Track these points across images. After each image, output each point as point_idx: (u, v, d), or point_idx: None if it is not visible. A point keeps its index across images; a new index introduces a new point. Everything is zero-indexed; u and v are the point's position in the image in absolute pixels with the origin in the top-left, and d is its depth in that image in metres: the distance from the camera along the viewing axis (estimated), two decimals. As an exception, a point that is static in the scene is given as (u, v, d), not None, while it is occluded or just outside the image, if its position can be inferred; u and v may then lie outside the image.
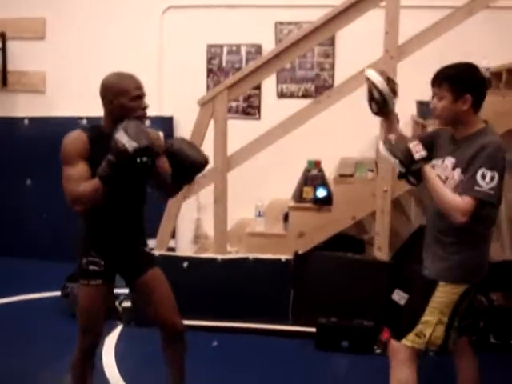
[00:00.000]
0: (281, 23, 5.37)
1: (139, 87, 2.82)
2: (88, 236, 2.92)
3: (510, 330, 4.24)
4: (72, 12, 5.70)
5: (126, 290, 4.62)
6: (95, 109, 5.46)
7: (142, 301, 3.14)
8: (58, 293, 4.78)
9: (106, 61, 5.61)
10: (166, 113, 5.56)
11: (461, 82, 2.68)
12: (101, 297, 2.92)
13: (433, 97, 2.77)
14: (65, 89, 5.82)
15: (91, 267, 2.88)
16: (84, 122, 5.76)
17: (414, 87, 4.59)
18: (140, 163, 2.60)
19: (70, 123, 5.74)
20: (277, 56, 4.27)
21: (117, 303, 4.62)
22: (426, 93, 4.62)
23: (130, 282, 3.06)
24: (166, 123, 5.53)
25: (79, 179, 2.70)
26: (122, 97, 2.77)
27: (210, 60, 5.53)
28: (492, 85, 2.76)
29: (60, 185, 2.65)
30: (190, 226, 5.72)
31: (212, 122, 4.37)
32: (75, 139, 2.78)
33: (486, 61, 4.40)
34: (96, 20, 5.63)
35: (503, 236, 5.09)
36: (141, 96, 2.81)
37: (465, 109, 2.66)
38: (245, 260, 4.39)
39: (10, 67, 5.92)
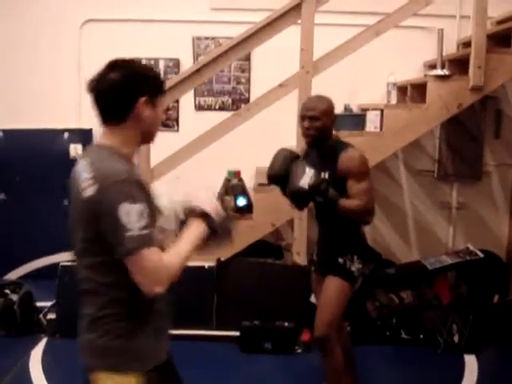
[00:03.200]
0: (198, 38, 5.51)
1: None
2: None
3: (419, 325, 4.56)
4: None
5: (49, 303, 4.69)
6: (11, 121, 5.56)
7: None
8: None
9: (23, 74, 5.62)
10: (85, 125, 5.58)
11: None
12: (314, 281, 3.61)
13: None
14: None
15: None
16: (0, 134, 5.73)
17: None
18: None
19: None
20: (197, 71, 4.43)
21: (41, 316, 4.62)
22: (338, 107, 4.95)
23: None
24: (85, 136, 5.54)
25: None
26: None
27: (129, 73, 5.59)
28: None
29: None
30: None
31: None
32: None
33: (393, 76, 4.73)
34: (14, 32, 5.57)
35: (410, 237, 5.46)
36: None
37: None
38: (169, 268, 4.48)
39: None
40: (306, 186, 3.10)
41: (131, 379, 1.94)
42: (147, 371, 1.97)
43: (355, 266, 3.30)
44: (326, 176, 3.20)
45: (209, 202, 2.02)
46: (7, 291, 4.67)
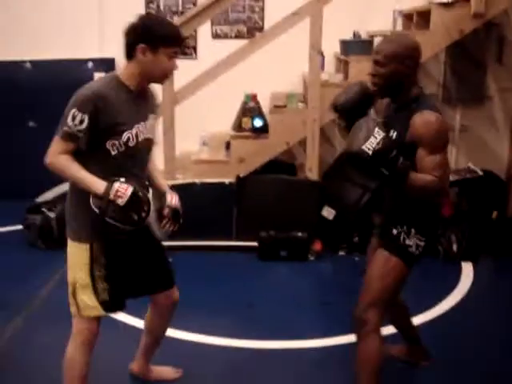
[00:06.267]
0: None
1: None
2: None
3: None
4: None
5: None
6: (38, 52, 5.82)
7: None
8: (20, 226, 5.14)
9: (45, 2, 5.89)
10: (107, 55, 5.85)
11: None
12: (371, 248, 2.94)
13: None
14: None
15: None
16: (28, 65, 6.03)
17: (337, 27, 5.12)
18: None
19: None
20: (216, 1, 4.68)
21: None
22: (347, 33, 5.21)
23: None
24: (108, 65, 5.78)
25: None
26: None
27: (148, 4, 5.87)
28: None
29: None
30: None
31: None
32: None
33: (399, 4, 4.97)
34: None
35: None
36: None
37: None
38: (192, 184, 4.83)
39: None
40: (370, 152, 2.40)
41: (83, 246, 2.51)
42: (94, 240, 2.50)
43: (412, 241, 2.65)
44: (394, 136, 2.55)
45: (126, 196, 2.34)
46: (44, 209, 4.99)
